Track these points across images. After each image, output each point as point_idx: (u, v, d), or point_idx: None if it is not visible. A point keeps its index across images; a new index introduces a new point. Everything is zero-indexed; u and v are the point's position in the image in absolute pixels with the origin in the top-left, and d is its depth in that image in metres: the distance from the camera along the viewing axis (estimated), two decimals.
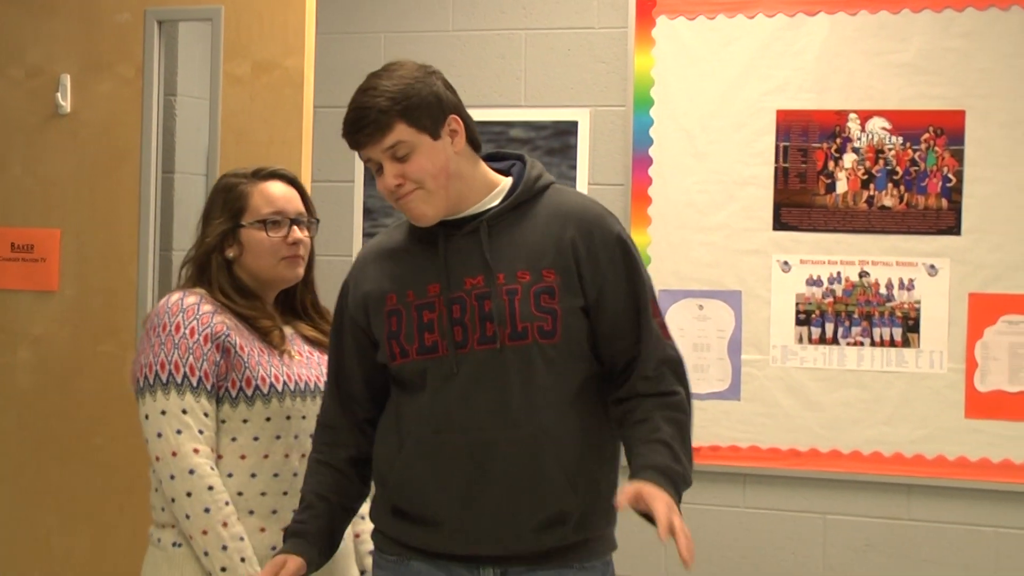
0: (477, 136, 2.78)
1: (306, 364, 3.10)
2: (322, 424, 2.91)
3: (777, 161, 4.51)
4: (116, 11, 4.45)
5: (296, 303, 3.19)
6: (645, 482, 2.51)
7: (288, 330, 3.12)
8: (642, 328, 2.70)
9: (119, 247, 4.46)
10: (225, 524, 2.87)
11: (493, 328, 2.65)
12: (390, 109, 2.63)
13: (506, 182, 2.79)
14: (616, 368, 2.72)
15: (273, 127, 4.26)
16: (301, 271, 3.12)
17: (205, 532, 2.86)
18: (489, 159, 2.84)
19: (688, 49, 4.59)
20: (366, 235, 4.91)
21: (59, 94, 4.50)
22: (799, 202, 4.53)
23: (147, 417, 2.93)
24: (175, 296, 3.02)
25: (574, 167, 4.76)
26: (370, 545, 3.12)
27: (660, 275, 4.58)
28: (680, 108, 4.64)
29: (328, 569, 2.94)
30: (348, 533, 3.09)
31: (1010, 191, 4.37)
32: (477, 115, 4.75)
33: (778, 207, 4.55)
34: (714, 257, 4.61)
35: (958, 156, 4.40)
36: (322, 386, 3.04)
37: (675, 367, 2.72)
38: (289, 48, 4.26)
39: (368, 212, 4.97)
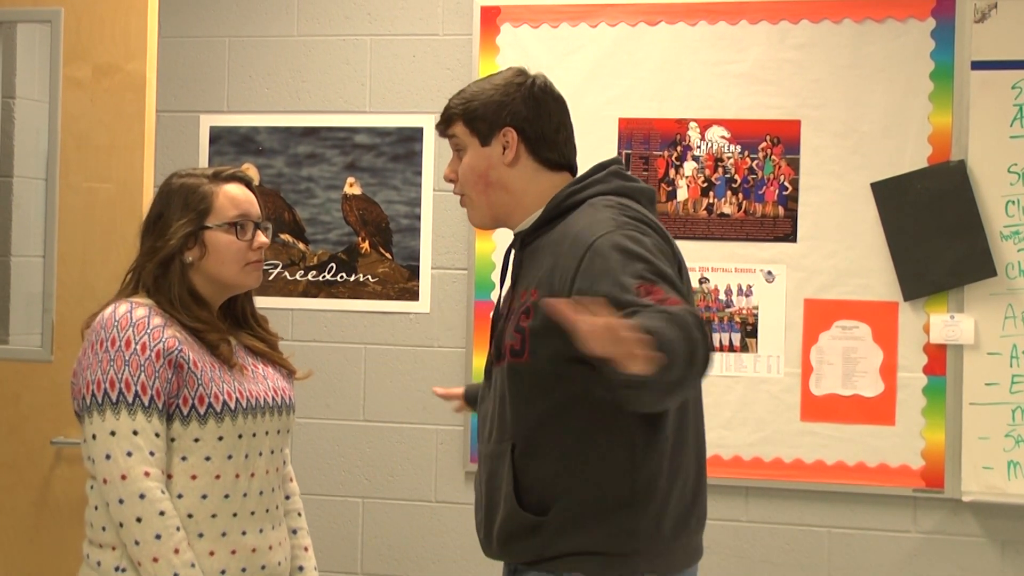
0: (554, 153, 2.84)
1: (253, 379, 2.97)
2: None
3: None
4: None
5: (237, 311, 3.07)
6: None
7: (232, 341, 3.00)
8: (627, 304, 2.36)
9: None
10: (177, 551, 2.74)
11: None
12: (456, 107, 2.85)
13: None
14: None
15: (114, 131, 4.22)
16: (261, 277, 3.02)
17: (156, 559, 2.73)
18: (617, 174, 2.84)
19: (532, 57, 4.62)
20: None
21: None
22: None
23: (94, 437, 2.78)
24: (123, 307, 2.86)
25: (419, 173, 4.77)
26: (299, 562, 3.12)
27: None
28: None
29: None
30: (288, 553, 3.05)
31: (843, 199, 4.47)
32: (321, 121, 4.86)
33: None
34: None
35: (794, 165, 4.50)
36: (271, 402, 2.98)
37: (671, 311, 2.32)
38: (131, 52, 4.22)
39: None
